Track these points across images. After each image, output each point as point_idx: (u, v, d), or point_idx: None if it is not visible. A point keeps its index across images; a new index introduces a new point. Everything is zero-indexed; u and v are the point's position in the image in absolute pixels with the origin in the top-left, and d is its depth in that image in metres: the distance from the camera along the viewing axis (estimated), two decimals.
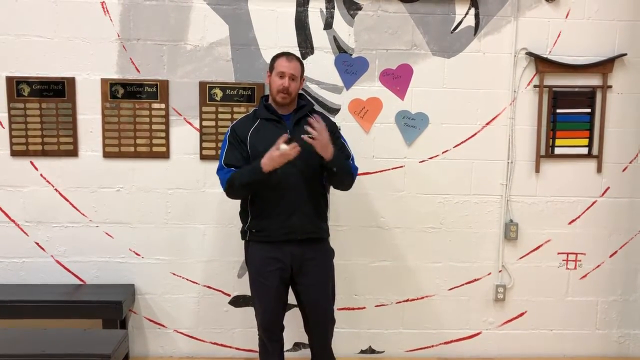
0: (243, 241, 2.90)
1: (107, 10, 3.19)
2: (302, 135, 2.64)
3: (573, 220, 3.48)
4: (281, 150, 2.57)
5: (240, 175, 2.69)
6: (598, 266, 3.53)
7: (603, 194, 3.47)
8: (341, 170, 2.76)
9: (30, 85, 3.20)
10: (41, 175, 3.27)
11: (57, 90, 3.22)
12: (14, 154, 3.24)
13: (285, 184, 2.70)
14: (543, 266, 3.51)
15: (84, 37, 3.19)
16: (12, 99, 3.20)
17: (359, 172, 3.29)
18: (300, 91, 3.13)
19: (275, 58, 2.83)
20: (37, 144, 3.24)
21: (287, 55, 2.83)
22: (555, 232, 3.48)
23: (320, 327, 2.90)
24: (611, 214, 3.48)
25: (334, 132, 2.89)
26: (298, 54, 3.25)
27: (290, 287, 2.88)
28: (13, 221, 3.29)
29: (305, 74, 3.23)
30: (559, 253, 3.50)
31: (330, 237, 3.36)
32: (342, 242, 3.40)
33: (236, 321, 3.43)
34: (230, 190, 2.75)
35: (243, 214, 2.86)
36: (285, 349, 2.99)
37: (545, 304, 3.53)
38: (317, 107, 3.24)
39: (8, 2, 3.14)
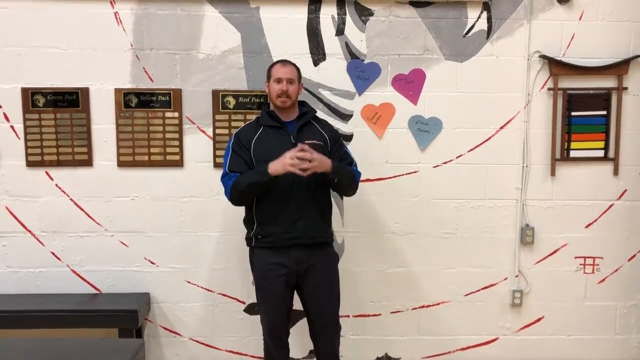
0: (248, 248, 2.93)
1: (120, 21, 3.21)
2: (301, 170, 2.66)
3: (590, 224, 3.45)
4: (294, 161, 2.61)
5: (245, 177, 2.74)
6: (616, 270, 3.48)
7: (620, 197, 3.43)
8: (343, 178, 2.79)
9: (45, 96, 3.22)
10: (56, 185, 3.29)
11: (72, 100, 3.24)
12: (30, 164, 3.26)
13: (291, 189, 2.75)
14: (560, 271, 3.47)
15: (98, 47, 3.21)
16: (27, 109, 3.22)
17: (373, 177, 3.32)
18: (304, 97, 3.15)
19: (271, 66, 2.91)
20: (52, 154, 3.26)
21: (281, 61, 2.92)
22: (572, 236, 3.45)
23: (326, 332, 2.91)
24: (628, 217, 3.44)
25: (336, 139, 2.94)
26: (310, 61, 3.27)
27: (296, 292, 2.91)
28: (29, 231, 3.31)
29: (317, 81, 3.27)
30: (576, 257, 3.47)
31: (345, 243, 3.37)
32: (357, 248, 3.39)
33: (251, 329, 3.42)
34: (234, 193, 2.77)
35: (248, 221, 2.90)
36: (299, 356, 2.98)
37: (563, 309, 3.49)
38: (328, 114, 3.25)
39: (24, 15, 3.17)
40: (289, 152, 2.66)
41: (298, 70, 2.91)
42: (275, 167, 2.66)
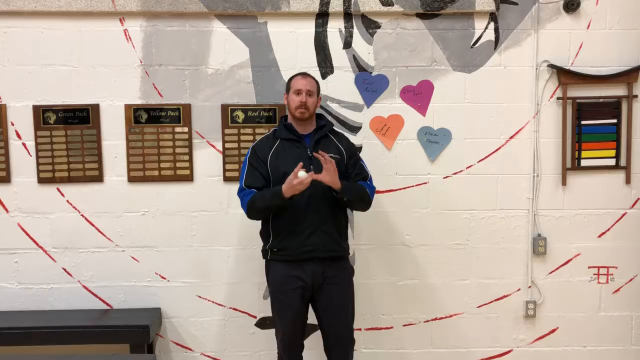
0: (264, 260, 2.94)
1: (130, 37, 3.25)
2: (312, 173, 2.68)
3: (603, 233, 3.41)
4: (300, 179, 2.62)
5: (262, 198, 2.75)
6: (631, 280, 3.44)
7: (633, 205, 3.40)
8: (352, 198, 2.80)
9: (55, 113, 3.25)
10: (67, 201, 3.31)
11: (82, 117, 3.26)
12: (41, 181, 3.28)
13: (307, 203, 2.75)
14: (574, 281, 3.43)
15: (108, 64, 3.25)
16: (38, 127, 3.25)
17: (383, 189, 3.31)
18: (320, 110, 3.17)
19: (291, 78, 2.92)
20: (63, 170, 3.28)
21: (301, 74, 2.93)
22: (585, 245, 3.42)
23: (340, 346, 2.88)
24: None
25: (352, 153, 2.95)
26: (318, 74, 3.28)
27: (310, 305, 2.90)
28: (41, 247, 3.32)
29: (326, 93, 3.28)
30: (589, 267, 3.43)
31: (356, 255, 3.35)
32: (368, 260, 3.38)
33: (262, 343, 3.40)
34: (251, 212, 2.80)
35: (264, 233, 2.89)
36: None
37: (578, 319, 3.45)
38: (337, 126, 3.24)
39: (34, 34, 3.21)
40: (292, 174, 2.64)
41: (317, 83, 2.93)
42: (287, 190, 2.66)
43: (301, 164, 2.67)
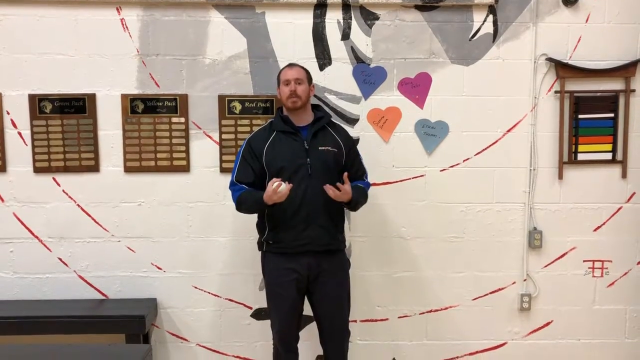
0: (260, 252, 2.95)
1: (127, 27, 3.23)
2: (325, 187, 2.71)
3: (598, 227, 3.42)
4: (280, 194, 2.64)
5: (246, 201, 2.80)
6: (625, 274, 3.46)
7: (629, 199, 3.41)
8: (359, 205, 2.88)
9: (52, 103, 3.23)
10: (63, 191, 3.30)
11: (79, 106, 3.25)
12: (37, 170, 3.27)
13: (303, 196, 2.75)
14: (569, 274, 3.45)
15: (104, 53, 3.23)
16: (34, 116, 3.23)
17: (379, 182, 3.32)
18: (318, 102, 3.16)
19: (280, 72, 2.93)
20: (59, 160, 3.27)
21: (289, 65, 2.95)
22: (580, 239, 3.43)
23: (335, 338, 2.90)
24: (637, 220, 3.42)
25: (351, 146, 2.95)
26: (316, 65, 3.27)
27: (306, 297, 2.91)
28: (36, 237, 3.31)
29: (323, 85, 3.27)
30: (584, 261, 3.44)
31: (352, 248, 3.36)
32: (364, 253, 3.38)
33: (258, 334, 3.41)
34: (239, 208, 2.85)
35: (260, 226, 2.90)
36: None
37: (572, 313, 3.47)
38: (334, 118, 3.24)
39: (30, 22, 3.19)
40: (269, 186, 2.66)
41: (307, 71, 2.91)
42: (267, 200, 2.68)
43: (279, 181, 2.66)
